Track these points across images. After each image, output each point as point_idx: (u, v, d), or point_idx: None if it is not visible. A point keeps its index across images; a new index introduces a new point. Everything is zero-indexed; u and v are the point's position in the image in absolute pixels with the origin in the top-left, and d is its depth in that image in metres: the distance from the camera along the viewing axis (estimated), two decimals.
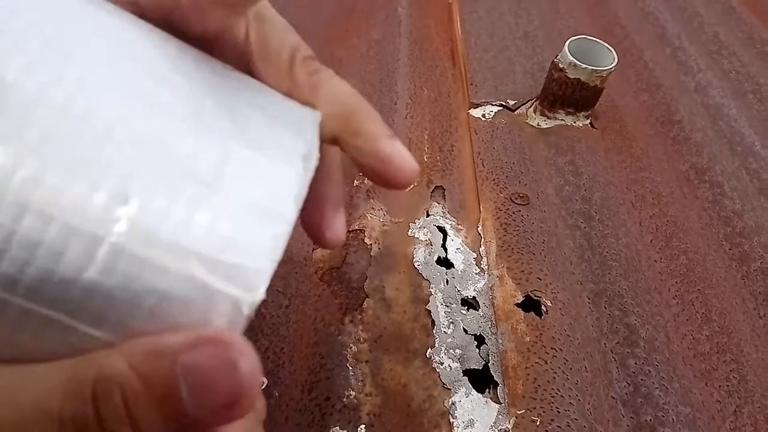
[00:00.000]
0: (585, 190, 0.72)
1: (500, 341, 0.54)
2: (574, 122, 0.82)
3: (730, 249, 0.67)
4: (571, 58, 0.75)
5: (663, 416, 0.51)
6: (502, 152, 0.78)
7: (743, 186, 0.75)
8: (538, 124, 0.83)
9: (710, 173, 0.76)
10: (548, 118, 0.83)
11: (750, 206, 0.72)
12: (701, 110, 0.88)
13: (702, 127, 0.84)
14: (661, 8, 1.14)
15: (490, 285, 0.60)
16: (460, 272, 0.62)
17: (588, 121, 0.83)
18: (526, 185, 0.73)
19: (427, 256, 0.63)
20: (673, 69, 0.98)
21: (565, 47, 0.77)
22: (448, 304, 0.58)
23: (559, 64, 0.77)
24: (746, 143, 0.82)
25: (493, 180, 0.73)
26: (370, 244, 0.65)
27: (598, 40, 0.79)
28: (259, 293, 0.22)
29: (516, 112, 0.85)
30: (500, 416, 0.50)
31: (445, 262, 0.63)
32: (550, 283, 0.59)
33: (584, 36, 0.79)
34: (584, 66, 0.75)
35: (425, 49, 0.98)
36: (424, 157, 0.77)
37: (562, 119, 0.82)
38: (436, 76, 0.92)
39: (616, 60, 0.76)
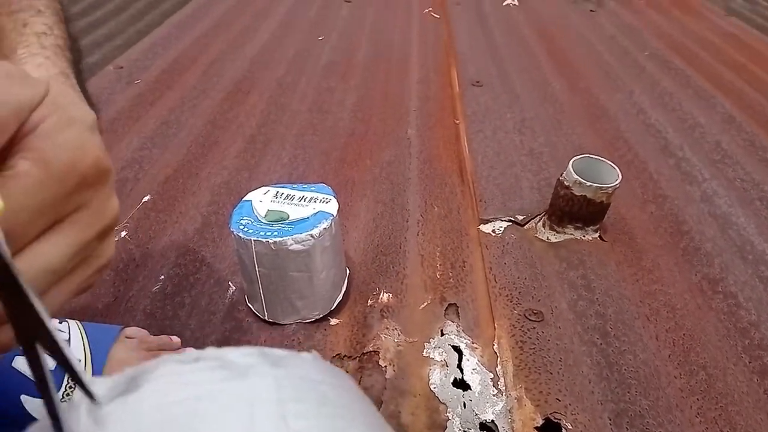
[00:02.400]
0: (599, 305, 0.72)
1: None
2: (583, 236, 0.83)
3: (750, 362, 0.65)
4: (576, 176, 0.78)
5: None
6: (513, 267, 0.79)
7: (758, 296, 0.74)
8: (547, 239, 0.84)
9: (723, 284, 0.76)
10: (557, 232, 0.84)
11: (766, 316, 0.71)
12: (709, 219, 0.89)
13: (711, 236, 0.85)
14: (662, 120, 1.18)
15: (508, 407, 0.59)
16: (477, 394, 0.61)
17: (597, 235, 0.84)
18: (539, 301, 0.73)
19: (443, 378, 0.63)
20: (678, 179, 1.00)
21: (570, 166, 0.79)
22: (466, 429, 0.57)
23: (565, 182, 0.80)
24: (757, 251, 0.82)
25: (507, 296, 0.74)
26: (385, 366, 0.64)
27: (601, 158, 0.82)
28: None
29: (525, 227, 0.87)
30: None
31: (461, 384, 0.62)
32: (570, 404, 0.58)
33: (588, 155, 0.82)
34: (589, 184, 0.77)
35: (434, 168, 1.01)
36: (437, 273, 0.78)
37: (571, 233, 0.84)
38: (446, 194, 0.95)
39: (621, 177, 0.78)
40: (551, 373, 0.62)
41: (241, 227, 0.63)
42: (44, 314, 0.20)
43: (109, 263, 0.28)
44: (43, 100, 0.25)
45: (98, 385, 0.20)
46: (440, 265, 0.80)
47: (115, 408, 0.19)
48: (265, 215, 0.65)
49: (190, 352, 0.22)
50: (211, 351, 0.22)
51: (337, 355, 0.66)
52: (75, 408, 0.19)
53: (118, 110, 1.14)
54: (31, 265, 0.23)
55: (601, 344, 0.67)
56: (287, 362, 0.22)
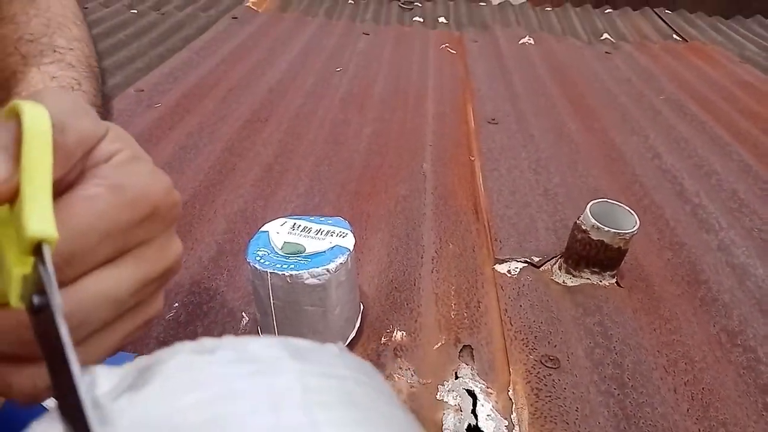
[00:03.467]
0: (616, 354, 0.71)
1: None
2: (600, 281, 0.83)
3: None
4: (594, 221, 0.78)
5: None
6: (529, 310, 0.78)
7: None
8: (563, 282, 0.83)
9: (742, 337, 0.75)
10: (574, 276, 0.83)
11: None
12: (727, 270, 0.88)
13: (729, 287, 0.84)
14: (677, 166, 1.18)
15: None
16: None
17: (614, 280, 0.83)
18: (555, 346, 0.72)
19: (457, 424, 0.61)
20: (694, 227, 0.99)
21: (587, 210, 0.79)
22: None
23: (582, 226, 0.79)
24: None
25: (522, 340, 0.73)
26: None
27: (619, 204, 0.81)
28: None
29: (541, 269, 0.86)
30: None
31: (475, 430, 0.61)
32: None
33: (605, 199, 0.82)
34: (607, 229, 0.77)
35: (449, 204, 1.01)
36: (451, 313, 0.77)
37: (587, 278, 0.83)
38: (461, 231, 0.94)
39: (638, 223, 0.77)
40: (567, 423, 0.61)
41: (258, 258, 0.63)
42: (76, 367, 0.18)
43: (157, 316, 0.27)
44: (107, 134, 0.25)
45: (104, 378, 0.18)
46: (455, 304, 0.79)
47: (123, 406, 0.17)
48: (282, 247, 0.65)
49: (206, 340, 0.20)
50: (229, 340, 0.20)
51: None
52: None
53: (137, 133, 1.15)
54: (93, 291, 0.23)
55: (618, 395, 0.65)
56: (311, 355, 0.20)
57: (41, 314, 0.19)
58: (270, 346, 0.20)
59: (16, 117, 0.22)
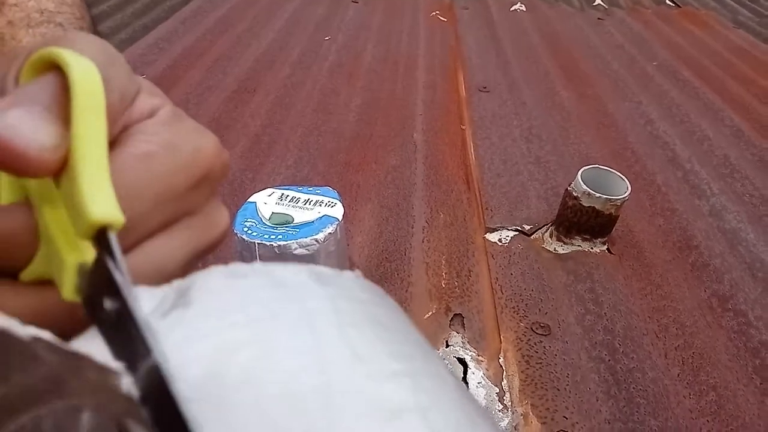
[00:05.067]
0: (607, 320, 0.71)
1: None
2: (591, 248, 0.82)
3: (761, 384, 0.64)
4: (585, 187, 0.77)
5: None
6: (520, 278, 0.77)
7: None
8: (554, 250, 0.83)
9: (733, 301, 0.75)
10: (565, 243, 0.83)
11: None
12: (718, 235, 0.88)
13: (720, 252, 0.84)
14: (670, 132, 1.17)
15: (514, 424, 0.57)
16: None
17: (605, 247, 0.83)
18: (546, 313, 0.72)
19: None
20: (686, 193, 0.99)
21: (579, 176, 0.78)
22: None
23: (573, 192, 0.79)
24: (767, 269, 0.81)
25: (513, 308, 0.73)
26: None
27: (611, 169, 0.81)
28: None
29: (532, 237, 0.86)
30: None
31: None
32: (577, 423, 0.57)
33: (597, 165, 0.81)
34: (598, 195, 0.76)
35: (440, 174, 1.00)
36: (442, 282, 0.77)
37: (578, 245, 0.82)
38: (452, 201, 0.93)
39: (630, 189, 0.77)
40: (558, 390, 0.61)
41: (245, 229, 0.62)
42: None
43: None
44: (143, 86, 0.22)
45: (145, 299, 0.17)
46: (445, 273, 0.78)
47: (171, 324, 0.16)
48: (270, 218, 0.64)
49: (237, 265, 0.19)
50: (259, 266, 0.19)
51: None
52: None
53: None
54: (144, 265, 0.20)
55: (609, 360, 0.65)
56: (335, 281, 0.20)
57: (107, 313, 0.16)
58: (297, 272, 0.20)
59: (52, 68, 0.19)
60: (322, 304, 0.18)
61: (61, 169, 0.18)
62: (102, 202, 0.17)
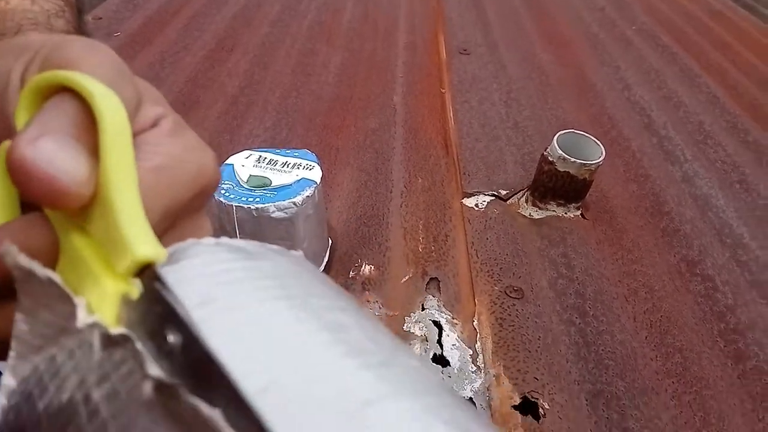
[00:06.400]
0: (578, 284, 0.72)
1: None
2: (565, 213, 0.83)
3: (725, 346, 0.67)
4: (560, 152, 0.78)
5: None
6: (495, 243, 0.79)
7: (735, 280, 0.75)
8: (530, 215, 0.84)
9: (701, 266, 0.77)
10: (540, 208, 0.84)
11: (742, 300, 0.72)
12: (689, 201, 0.90)
13: (691, 218, 0.86)
14: (647, 98, 1.18)
15: (486, 385, 0.59)
16: (456, 370, 0.61)
17: (579, 212, 0.84)
18: (520, 277, 0.73)
19: (423, 353, 0.63)
20: (660, 159, 1.00)
21: (554, 141, 0.79)
22: None
23: (549, 158, 0.79)
24: (735, 235, 0.83)
25: (488, 272, 0.74)
26: None
27: (586, 134, 0.81)
28: None
29: (508, 202, 0.87)
30: None
31: (441, 360, 0.63)
32: (547, 384, 0.59)
33: (572, 130, 0.81)
34: (573, 160, 0.77)
35: (419, 138, 1.00)
36: (419, 247, 0.78)
37: (553, 210, 0.84)
38: (430, 165, 0.94)
39: (604, 154, 0.78)
40: (530, 351, 0.63)
41: (222, 192, 0.62)
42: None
43: None
44: (142, 95, 0.22)
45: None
46: (423, 238, 0.79)
47: (165, 273, 0.17)
48: (247, 180, 0.64)
49: (208, 239, 0.19)
50: (224, 239, 0.19)
51: None
52: None
53: None
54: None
55: (579, 323, 0.67)
56: (284, 253, 0.21)
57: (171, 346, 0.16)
58: (251, 244, 0.20)
59: (67, 91, 0.19)
60: (280, 262, 0.19)
61: (91, 200, 0.18)
62: (144, 239, 0.17)
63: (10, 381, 0.17)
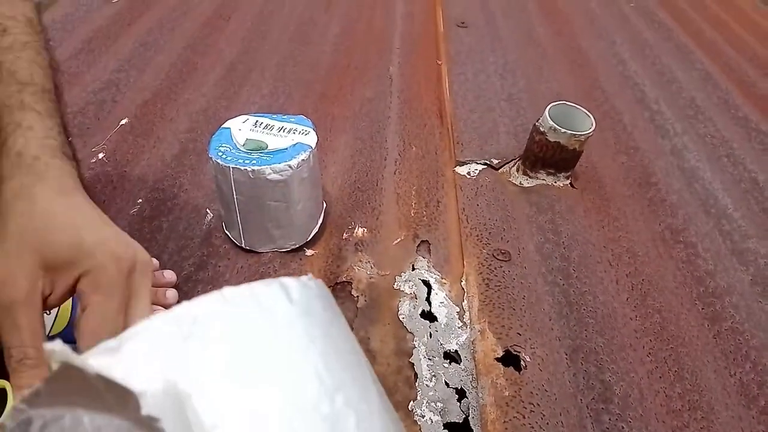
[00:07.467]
0: (564, 248, 0.75)
1: (480, 395, 0.56)
2: (555, 182, 0.86)
3: (702, 308, 0.69)
4: (552, 122, 0.79)
5: None
6: (485, 209, 0.81)
7: (716, 247, 0.78)
8: (520, 183, 0.86)
9: (685, 234, 0.80)
10: (530, 177, 0.86)
11: (722, 267, 0.75)
12: (677, 173, 0.92)
13: (677, 189, 0.88)
14: (640, 73, 1.20)
15: (471, 339, 0.62)
16: (443, 325, 0.64)
17: (568, 182, 0.86)
18: (508, 242, 0.76)
19: (412, 309, 0.65)
20: (650, 132, 1.02)
21: (546, 112, 0.81)
22: (430, 357, 0.60)
23: (540, 128, 0.81)
24: (720, 206, 0.85)
25: (477, 236, 0.76)
26: (357, 296, 0.67)
27: (577, 106, 0.83)
28: None
29: (499, 171, 0.89)
30: None
31: (429, 316, 0.65)
32: (530, 339, 0.62)
33: (564, 101, 0.83)
34: (564, 130, 0.79)
35: (414, 108, 1.02)
36: (411, 212, 0.80)
37: (543, 179, 0.86)
38: (425, 134, 0.96)
39: (594, 125, 0.80)
40: (514, 309, 0.65)
41: (220, 154, 0.64)
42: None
43: None
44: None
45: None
46: (415, 203, 0.81)
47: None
48: (244, 143, 0.66)
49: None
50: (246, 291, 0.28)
51: None
52: None
53: (94, 29, 1.12)
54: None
55: (563, 285, 0.70)
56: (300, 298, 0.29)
57: None
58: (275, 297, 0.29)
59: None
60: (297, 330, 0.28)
61: None
62: None
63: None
